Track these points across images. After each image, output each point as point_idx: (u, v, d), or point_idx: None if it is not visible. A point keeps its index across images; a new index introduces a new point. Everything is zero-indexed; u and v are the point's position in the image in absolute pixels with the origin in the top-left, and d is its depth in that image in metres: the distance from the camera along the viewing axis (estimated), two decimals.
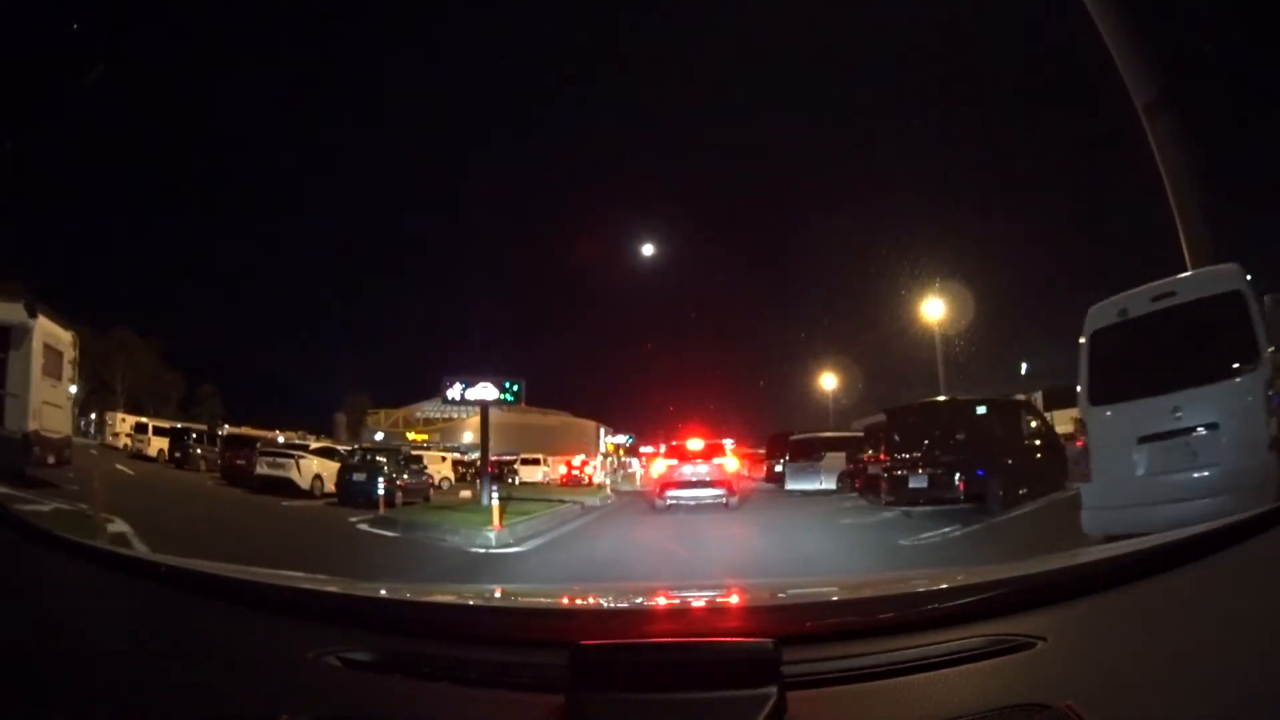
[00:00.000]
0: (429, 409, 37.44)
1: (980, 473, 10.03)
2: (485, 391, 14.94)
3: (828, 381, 28.32)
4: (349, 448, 19.02)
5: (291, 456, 15.85)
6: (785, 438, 19.56)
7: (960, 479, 10.04)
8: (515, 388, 15.14)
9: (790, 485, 17.47)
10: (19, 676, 1.13)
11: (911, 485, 10.60)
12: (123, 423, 23.16)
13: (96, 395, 26.73)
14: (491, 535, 9.06)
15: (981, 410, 11.45)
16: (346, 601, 1.51)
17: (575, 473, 27.27)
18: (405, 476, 15.33)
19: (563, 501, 14.13)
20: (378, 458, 15.37)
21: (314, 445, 18.84)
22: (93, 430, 25.05)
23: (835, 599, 1.65)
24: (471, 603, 1.76)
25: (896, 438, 11.61)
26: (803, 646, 1.13)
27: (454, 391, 14.97)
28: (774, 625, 1.22)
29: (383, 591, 1.72)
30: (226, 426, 23.96)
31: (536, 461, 28.72)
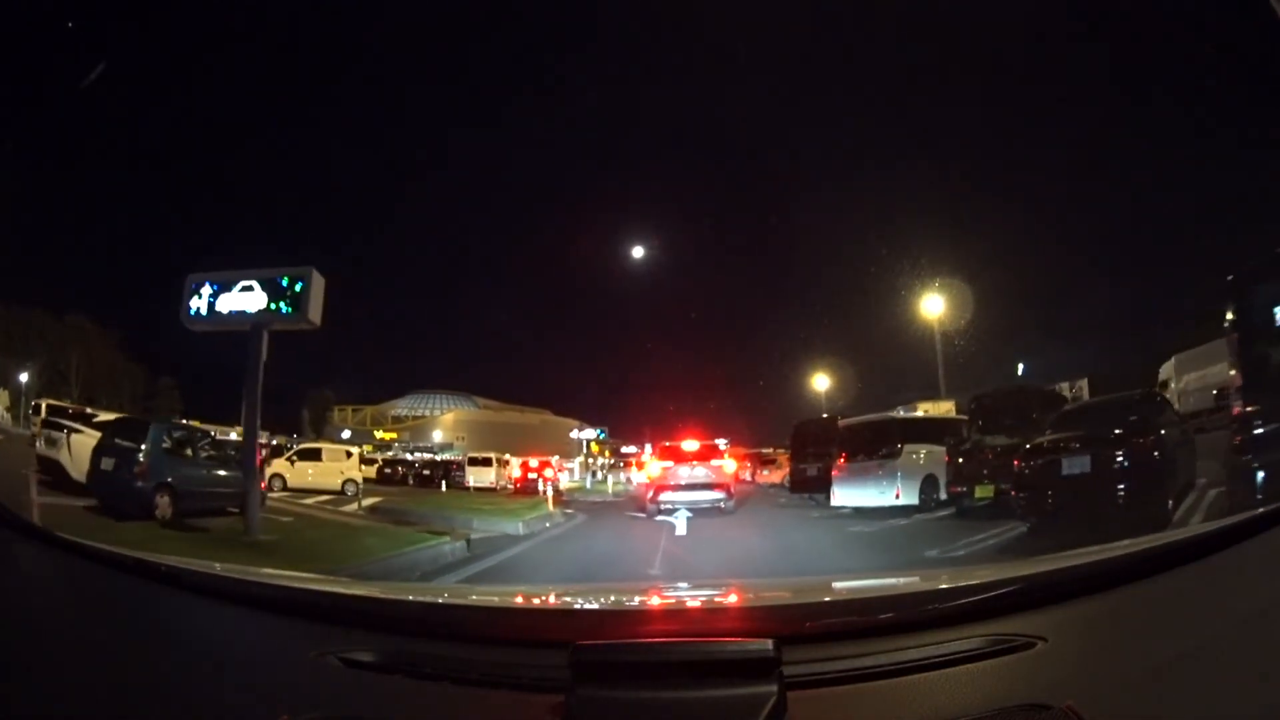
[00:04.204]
0: (400, 406, 36.90)
1: None
2: (249, 299, 9.02)
3: (820, 382, 22.87)
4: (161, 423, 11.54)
5: (64, 430, 10.49)
6: (829, 424, 13.31)
7: None
8: (299, 287, 9.01)
9: (841, 499, 10.90)
10: (18, 676, 1.11)
11: None
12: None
13: (51, 385, 25.69)
14: None
15: None
16: (347, 601, 1.50)
17: (532, 476, 21.09)
18: (186, 469, 9.42)
19: (429, 536, 8.53)
20: (138, 436, 9.45)
21: (102, 417, 12.55)
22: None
23: (835, 599, 1.67)
24: (471, 603, 1.75)
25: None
26: (803, 646, 1.14)
27: (199, 301, 9.15)
28: (774, 625, 1.23)
29: (383, 592, 1.71)
30: (184, 420, 23.05)
31: (488, 463, 22.84)
